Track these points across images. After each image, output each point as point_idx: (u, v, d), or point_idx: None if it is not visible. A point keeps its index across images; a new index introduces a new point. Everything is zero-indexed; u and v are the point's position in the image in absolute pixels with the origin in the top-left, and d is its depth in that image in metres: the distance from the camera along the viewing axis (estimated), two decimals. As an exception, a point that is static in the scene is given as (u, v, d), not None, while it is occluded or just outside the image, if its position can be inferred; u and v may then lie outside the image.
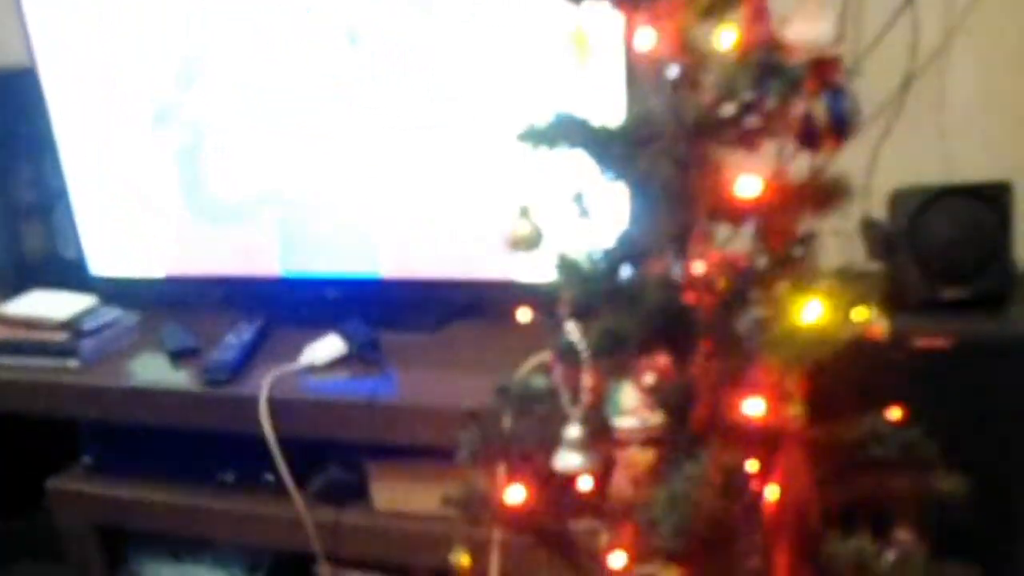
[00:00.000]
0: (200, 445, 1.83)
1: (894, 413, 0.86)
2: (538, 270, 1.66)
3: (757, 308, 0.76)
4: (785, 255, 0.79)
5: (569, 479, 0.84)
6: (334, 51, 1.78)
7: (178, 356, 1.86)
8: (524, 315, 0.93)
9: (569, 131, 0.82)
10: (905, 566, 0.78)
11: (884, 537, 0.81)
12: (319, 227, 1.91)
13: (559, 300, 0.89)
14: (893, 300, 0.96)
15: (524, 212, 0.90)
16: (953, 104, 1.67)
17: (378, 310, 1.86)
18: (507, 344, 1.65)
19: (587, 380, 0.82)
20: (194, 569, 1.94)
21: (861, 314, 0.77)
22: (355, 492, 1.71)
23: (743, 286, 0.77)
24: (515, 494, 0.89)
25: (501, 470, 0.91)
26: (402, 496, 1.68)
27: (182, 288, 2.09)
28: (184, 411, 1.75)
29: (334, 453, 1.74)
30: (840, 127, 0.81)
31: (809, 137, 0.80)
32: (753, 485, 0.78)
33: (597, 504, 0.86)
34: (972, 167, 1.62)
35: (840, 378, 0.84)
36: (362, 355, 1.74)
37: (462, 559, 1.06)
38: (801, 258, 0.79)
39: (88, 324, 1.89)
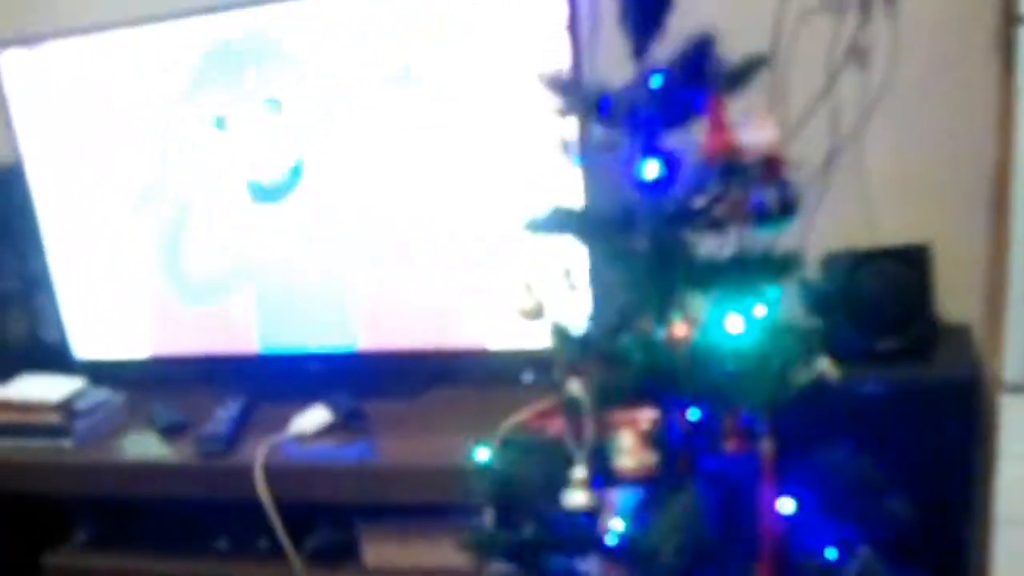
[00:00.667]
0: (193, 516, 1.93)
1: (846, 447, 1.02)
2: (508, 339, 1.85)
3: (729, 361, 0.92)
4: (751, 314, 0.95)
5: (574, 516, 0.99)
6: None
7: (169, 432, 1.95)
8: (528, 377, 1.07)
9: (567, 221, 0.98)
10: (866, 572, 0.94)
11: (848, 551, 0.96)
12: (297, 303, 2.03)
13: (556, 363, 1.04)
14: (832, 352, 1.14)
15: (528, 288, 1.05)
16: (873, 176, 1.87)
17: (357, 381, 1.98)
18: (483, 407, 1.80)
19: (589, 429, 0.97)
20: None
21: (818, 363, 0.93)
22: (347, 552, 1.82)
23: (715, 343, 0.93)
24: (526, 532, 1.03)
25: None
26: (393, 553, 1.79)
27: (165, 368, 2.18)
28: (180, 483, 1.86)
29: (325, 516, 1.84)
30: (788, 210, 0.98)
31: (761, 219, 0.98)
32: (734, 512, 0.93)
33: (597, 539, 1.01)
34: (894, 232, 1.82)
35: (797, 420, 1.00)
36: (348, 423, 1.86)
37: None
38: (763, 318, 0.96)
39: (80, 405, 1.98)
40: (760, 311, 0.96)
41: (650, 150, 0.93)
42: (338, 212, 1.94)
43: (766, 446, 0.92)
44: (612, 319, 0.99)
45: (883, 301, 1.73)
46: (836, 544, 0.97)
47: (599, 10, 0.98)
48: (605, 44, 1.04)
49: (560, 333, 1.01)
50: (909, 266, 1.73)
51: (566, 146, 1.05)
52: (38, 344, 2.29)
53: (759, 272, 0.98)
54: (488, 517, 1.08)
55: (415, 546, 1.78)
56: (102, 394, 2.05)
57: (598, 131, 0.99)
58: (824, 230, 1.82)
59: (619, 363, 0.95)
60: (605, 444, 0.96)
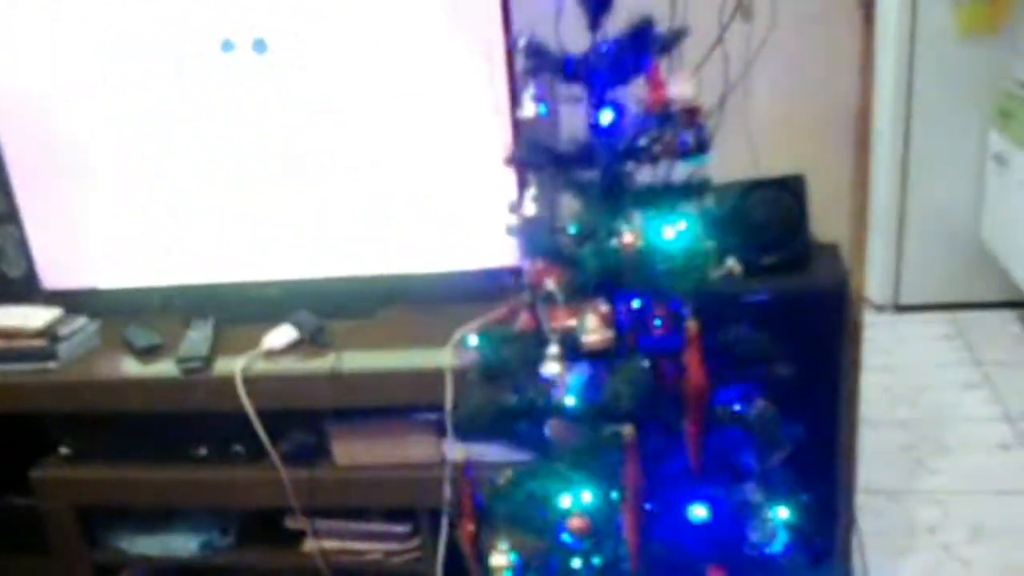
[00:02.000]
0: (170, 428, 2.16)
1: (745, 328, 1.35)
2: (446, 262, 2.12)
3: (664, 260, 1.23)
4: (676, 227, 1.27)
5: (551, 384, 1.29)
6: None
7: (147, 353, 2.17)
8: (507, 280, 1.37)
9: (542, 156, 1.27)
10: (762, 418, 1.27)
11: (748, 402, 1.30)
12: (256, 233, 2.26)
13: (529, 269, 1.34)
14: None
15: (512, 207, 1.34)
16: (757, 117, 2.18)
17: (314, 304, 2.22)
18: (430, 321, 2.09)
19: (561, 314, 1.27)
20: (170, 537, 2.26)
21: (727, 262, 1.26)
22: (319, 452, 2.09)
23: (653, 248, 1.25)
24: (509, 401, 1.33)
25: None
26: (360, 451, 2.07)
27: (130, 297, 2.38)
28: (164, 398, 2.08)
29: (297, 421, 2.10)
30: (702, 147, 1.30)
31: (685, 155, 1.29)
32: (670, 373, 1.25)
33: (562, 405, 1.32)
34: (774, 164, 2.14)
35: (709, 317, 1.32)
36: (313, 339, 2.11)
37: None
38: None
39: (62, 331, 2.18)
40: (683, 224, 1.27)
41: (604, 102, 1.23)
42: (294, 150, 2.17)
43: (691, 325, 1.23)
44: (574, 232, 1.29)
45: (766, 223, 2.06)
46: (740, 398, 1.30)
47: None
48: (566, 18, 1.32)
49: (536, 245, 1.30)
50: (787, 193, 2.06)
51: (532, 96, 1.32)
52: (2, 279, 2.45)
53: (683, 195, 1.29)
54: (476, 394, 1.36)
55: (379, 444, 2.06)
56: (79, 321, 2.24)
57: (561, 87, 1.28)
58: (717, 164, 2.12)
59: (582, 266, 1.25)
60: (572, 329, 1.27)
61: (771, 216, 2.06)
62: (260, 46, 2.10)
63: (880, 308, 3.93)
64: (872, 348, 3.53)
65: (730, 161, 2.13)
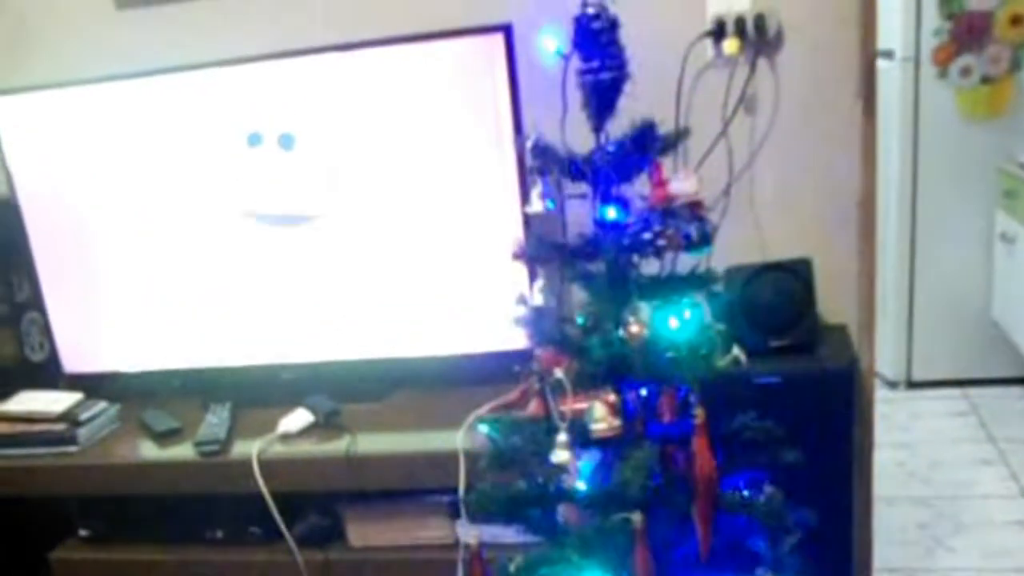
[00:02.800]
0: (187, 511, 2.19)
1: (751, 415, 1.38)
2: (459, 345, 2.16)
3: (670, 350, 1.27)
4: (682, 317, 1.31)
5: (560, 470, 1.32)
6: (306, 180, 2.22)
7: (165, 436, 2.21)
8: (517, 369, 1.41)
9: (548, 250, 1.32)
10: (770, 504, 1.30)
11: (758, 489, 1.33)
12: (271, 320, 2.31)
13: (537, 358, 1.38)
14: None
15: (522, 299, 1.39)
16: (762, 204, 2.24)
17: (328, 387, 2.26)
18: (442, 405, 2.13)
19: (570, 402, 1.30)
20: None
21: (732, 351, 1.29)
22: (334, 534, 2.11)
23: (660, 337, 1.28)
24: (520, 486, 1.36)
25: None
26: (374, 534, 2.09)
27: (149, 380, 2.43)
28: (181, 480, 2.11)
29: (312, 504, 2.13)
30: (705, 240, 1.34)
31: (688, 247, 1.33)
32: (678, 460, 1.28)
33: (571, 490, 1.35)
34: (781, 249, 2.19)
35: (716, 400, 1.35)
36: (328, 422, 2.15)
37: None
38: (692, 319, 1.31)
39: (81, 415, 2.22)
40: (689, 314, 1.31)
41: (609, 198, 1.28)
42: (311, 238, 2.23)
43: (698, 413, 1.26)
44: (581, 323, 1.33)
45: (774, 306, 2.10)
46: (749, 484, 1.33)
47: (567, 98, 1.32)
48: (571, 121, 1.38)
49: (544, 335, 1.34)
50: (795, 277, 2.11)
51: (541, 194, 1.38)
52: (26, 364, 2.51)
53: (688, 285, 1.33)
54: (488, 479, 1.39)
55: (393, 526, 2.08)
56: (99, 405, 2.28)
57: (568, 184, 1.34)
58: (724, 249, 2.15)
59: (589, 355, 1.29)
60: (582, 416, 1.30)
61: (779, 299, 2.10)
62: (287, 141, 2.17)
63: (893, 385, 3.94)
64: (886, 425, 3.55)
65: (738, 246, 2.19)
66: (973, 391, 3.84)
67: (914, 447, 3.47)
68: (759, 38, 2.11)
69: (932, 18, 3.49)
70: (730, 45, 2.10)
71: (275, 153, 2.18)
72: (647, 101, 1.37)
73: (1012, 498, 3.07)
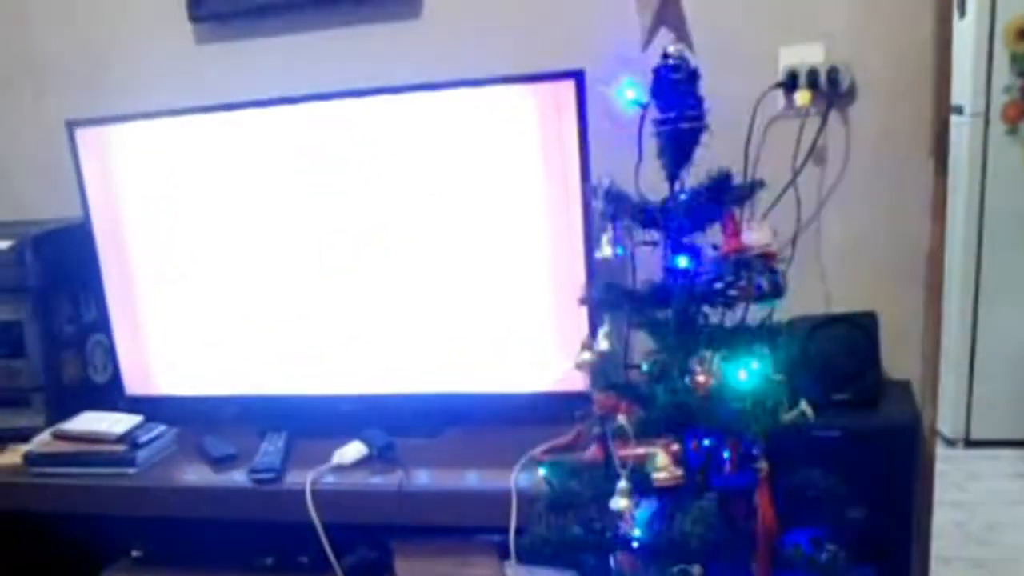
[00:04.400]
0: (240, 536, 2.20)
1: (816, 471, 1.36)
2: (515, 384, 2.16)
3: (735, 402, 1.26)
4: (749, 369, 1.30)
5: (619, 517, 1.31)
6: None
7: (221, 462, 2.22)
8: (578, 414, 1.40)
9: (618, 296, 1.32)
10: (833, 563, 1.28)
11: (819, 546, 1.30)
12: (330, 351, 2.33)
13: (597, 402, 1.38)
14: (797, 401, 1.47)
15: (587, 344, 1.39)
16: (829, 256, 2.22)
17: (382, 421, 2.26)
18: (497, 444, 2.12)
19: (631, 450, 1.29)
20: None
21: (800, 405, 1.28)
22: (382, 568, 2.11)
23: (726, 388, 1.27)
24: (576, 531, 1.35)
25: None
26: (422, 569, 2.09)
27: (209, 405, 2.46)
28: (236, 507, 2.12)
29: (362, 536, 2.13)
30: (777, 292, 1.33)
31: (760, 298, 1.32)
32: (740, 513, 1.27)
33: (629, 538, 1.33)
34: (846, 302, 2.17)
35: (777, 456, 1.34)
36: (382, 456, 2.15)
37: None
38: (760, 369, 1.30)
39: (141, 437, 2.25)
40: (756, 365, 1.30)
41: (681, 247, 1.28)
42: (373, 272, 2.25)
43: (762, 466, 1.25)
44: (646, 370, 1.33)
45: (837, 359, 2.07)
46: (811, 541, 1.31)
47: (643, 147, 1.33)
48: (645, 170, 1.39)
49: (608, 380, 1.34)
50: (859, 329, 2.08)
51: (610, 239, 1.38)
52: (89, 384, 2.55)
53: (755, 337, 1.32)
54: (543, 521, 1.39)
55: (442, 563, 2.07)
56: (157, 429, 2.31)
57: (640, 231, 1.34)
58: (788, 299, 2.14)
59: (654, 403, 1.28)
60: (643, 463, 1.29)
61: (843, 352, 2.07)
62: (355, 177, 2.21)
63: (951, 443, 3.87)
64: (943, 483, 3.47)
65: (802, 297, 2.16)
66: (1033, 453, 3.75)
67: (971, 507, 3.40)
68: (831, 90, 2.10)
69: (1003, 75, 3.47)
70: (802, 97, 2.10)
71: (341, 189, 2.21)
72: (717, 149, 1.37)
73: (1072, 566, 2.99)
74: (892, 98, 2.11)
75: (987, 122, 3.51)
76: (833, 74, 2.09)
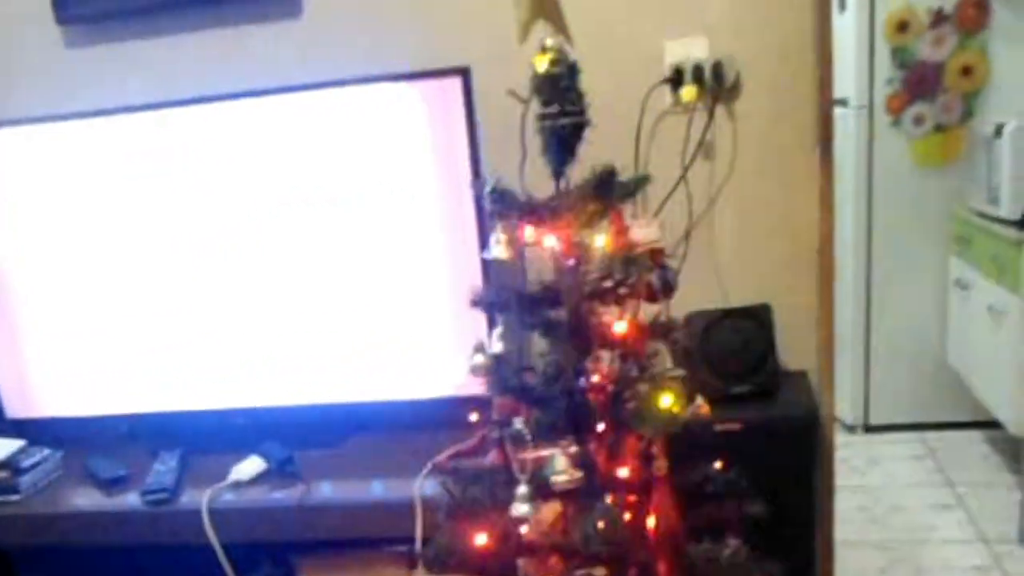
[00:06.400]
0: (135, 561, 2.12)
1: (718, 464, 1.36)
2: (415, 390, 2.12)
3: (632, 401, 1.24)
4: (644, 367, 1.28)
5: (518, 523, 1.28)
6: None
7: (111, 484, 2.14)
8: (472, 417, 1.37)
9: (509, 299, 1.30)
10: (735, 559, 1.27)
11: (721, 542, 1.30)
12: (223, 364, 2.26)
13: (495, 406, 1.35)
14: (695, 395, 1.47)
15: (480, 347, 1.36)
16: (722, 250, 2.24)
17: (281, 433, 2.20)
18: (400, 452, 2.08)
19: (530, 454, 1.27)
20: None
21: (696, 402, 1.27)
22: (286, 585, 2.06)
23: (622, 388, 1.26)
24: (480, 539, 1.32)
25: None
26: (327, 583, 2.04)
27: (94, 425, 2.36)
28: (127, 530, 2.04)
29: (265, 554, 2.07)
30: (668, 289, 1.33)
31: (651, 296, 1.31)
32: (639, 513, 1.25)
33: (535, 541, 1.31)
34: (740, 295, 2.19)
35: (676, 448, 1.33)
36: (281, 470, 2.09)
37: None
38: (654, 368, 1.29)
39: (24, 462, 2.15)
40: (652, 362, 1.29)
41: (569, 245, 1.26)
42: (261, 280, 2.19)
43: (660, 466, 1.24)
44: (543, 372, 1.30)
45: (734, 353, 2.09)
46: (712, 536, 1.30)
47: (527, 143, 1.30)
48: (530, 167, 1.37)
49: (504, 384, 1.31)
50: (755, 323, 2.10)
51: (498, 238, 1.35)
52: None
53: (651, 335, 1.31)
54: (446, 530, 1.36)
55: (349, 574, 2.02)
56: (42, 451, 2.21)
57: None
58: (683, 295, 2.14)
59: (551, 406, 1.26)
60: (542, 467, 1.27)
61: (739, 345, 2.09)
62: (237, 183, 2.14)
63: (851, 429, 3.95)
64: (844, 469, 3.54)
65: (697, 292, 2.18)
66: (930, 435, 3.86)
67: (872, 492, 3.47)
68: (717, 85, 2.12)
69: (885, 67, 3.55)
70: (688, 92, 2.11)
71: (226, 195, 2.14)
72: (606, 147, 1.36)
73: (971, 543, 3.07)
74: (776, 91, 2.14)
75: (871, 113, 3.60)
76: (718, 69, 2.10)
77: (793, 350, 2.22)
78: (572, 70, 1.25)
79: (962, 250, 3.47)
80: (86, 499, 2.11)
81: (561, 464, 1.25)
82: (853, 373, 3.84)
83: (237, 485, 2.07)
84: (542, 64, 1.22)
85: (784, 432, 2.01)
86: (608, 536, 1.17)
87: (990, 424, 3.69)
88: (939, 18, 3.47)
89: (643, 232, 1.28)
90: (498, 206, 1.32)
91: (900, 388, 3.84)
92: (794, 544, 2.04)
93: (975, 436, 3.82)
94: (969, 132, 3.51)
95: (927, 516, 3.27)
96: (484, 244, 2.01)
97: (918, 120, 3.56)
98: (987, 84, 3.49)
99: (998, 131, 3.11)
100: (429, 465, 1.97)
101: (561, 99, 1.24)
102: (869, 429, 3.93)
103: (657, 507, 1.22)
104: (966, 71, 3.48)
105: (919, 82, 3.53)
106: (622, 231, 1.26)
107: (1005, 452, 3.66)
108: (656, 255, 1.29)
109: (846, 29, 3.55)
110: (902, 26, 3.50)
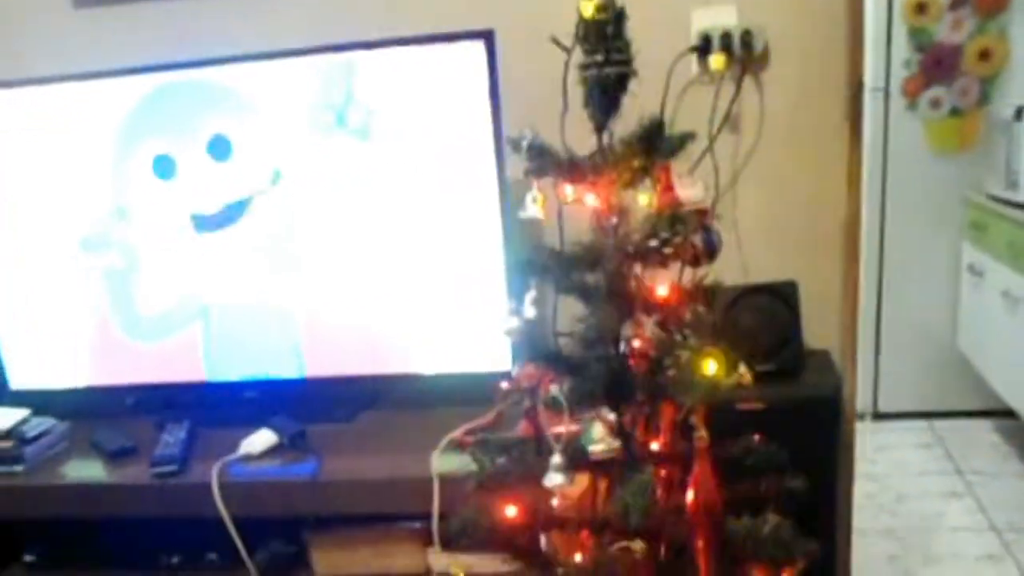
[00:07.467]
0: (143, 535, 2.07)
1: (756, 437, 1.31)
2: (431, 365, 2.07)
3: (673, 369, 1.19)
4: (685, 333, 1.23)
5: (550, 495, 1.23)
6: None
7: (117, 456, 2.08)
8: (503, 385, 1.32)
9: (546, 260, 1.24)
10: (777, 533, 1.22)
11: (761, 516, 1.25)
12: (234, 335, 2.20)
13: (519, 375, 1.30)
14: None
15: (514, 310, 1.30)
16: (746, 225, 2.19)
17: (293, 407, 2.15)
18: (415, 427, 2.03)
19: (566, 423, 1.22)
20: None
21: (738, 370, 1.22)
22: (297, 561, 2.00)
23: (663, 354, 1.21)
24: (509, 511, 1.27)
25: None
26: (340, 560, 1.99)
27: (101, 396, 2.30)
28: (135, 503, 1.99)
29: (275, 529, 2.02)
30: (712, 252, 1.27)
31: (694, 259, 1.26)
32: (679, 486, 1.20)
33: (567, 515, 1.26)
34: (764, 272, 2.14)
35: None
36: (293, 444, 2.04)
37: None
38: (696, 334, 1.24)
39: (28, 432, 2.09)
40: (696, 329, 1.24)
41: (611, 204, 1.21)
42: (279, 248, 2.13)
43: (701, 437, 1.19)
44: (581, 337, 1.25)
45: (758, 330, 2.04)
46: (752, 511, 1.25)
47: (568, 95, 1.24)
48: (571, 120, 1.31)
49: (537, 350, 1.26)
50: (781, 300, 2.05)
51: (534, 197, 1.30)
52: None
53: (693, 300, 1.26)
54: (471, 503, 1.30)
55: (361, 553, 1.97)
56: (46, 423, 2.15)
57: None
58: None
59: (588, 373, 1.21)
60: (577, 436, 1.22)
61: (764, 323, 2.04)
62: (253, 147, 2.09)
63: (860, 416, 3.92)
64: (861, 457, 3.51)
65: (719, 267, 2.12)
66: (939, 423, 3.83)
67: (881, 479, 3.44)
68: (746, 54, 2.06)
69: (902, 49, 3.50)
70: (716, 61, 2.05)
71: (236, 160, 2.08)
72: (629, 117, 1.30)
73: (980, 531, 3.04)
74: (805, 63, 2.09)
75: (887, 96, 3.55)
76: (747, 37, 2.05)
77: (815, 329, 2.17)
78: (619, 16, 1.19)
79: (976, 236, 3.43)
80: (92, 471, 2.06)
81: (599, 433, 1.20)
82: (863, 359, 3.81)
83: (248, 458, 2.01)
84: (587, 8, 1.16)
85: (808, 413, 1.96)
86: (648, 509, 1.12)
87: (999, 412, 3.67)
88: (958, 0, 3.41)
89: (689, 191, 1.22)
90: (535, 163, 1.26)
91: (910, 375, 3.81)
92: (815, 528, 1.99)
93: (984, 424, 3.79)
94: (985, 117, 3.47)
95: (936, 504, 3.24)
96: (505, 210, 1.95)
97: (935, 103, 3.51)
98: (1005, 68, 3.44)
99: (1018, 114, 3.07)
100: (445, 440, 1.92)
101: (607, 47, 1.18)
102: (878, 416, 3.90)
103: (697, 480, 1.17)
104: (984, 55, 3.44)
105: (936, 65, 3.48)
106: (669, 187, 1.20)
107: (1014, 441, 3.63)
108: (701, 215, 1.23)
109: (865, 10, 3.49)
110: (920, 8, 3.45)
